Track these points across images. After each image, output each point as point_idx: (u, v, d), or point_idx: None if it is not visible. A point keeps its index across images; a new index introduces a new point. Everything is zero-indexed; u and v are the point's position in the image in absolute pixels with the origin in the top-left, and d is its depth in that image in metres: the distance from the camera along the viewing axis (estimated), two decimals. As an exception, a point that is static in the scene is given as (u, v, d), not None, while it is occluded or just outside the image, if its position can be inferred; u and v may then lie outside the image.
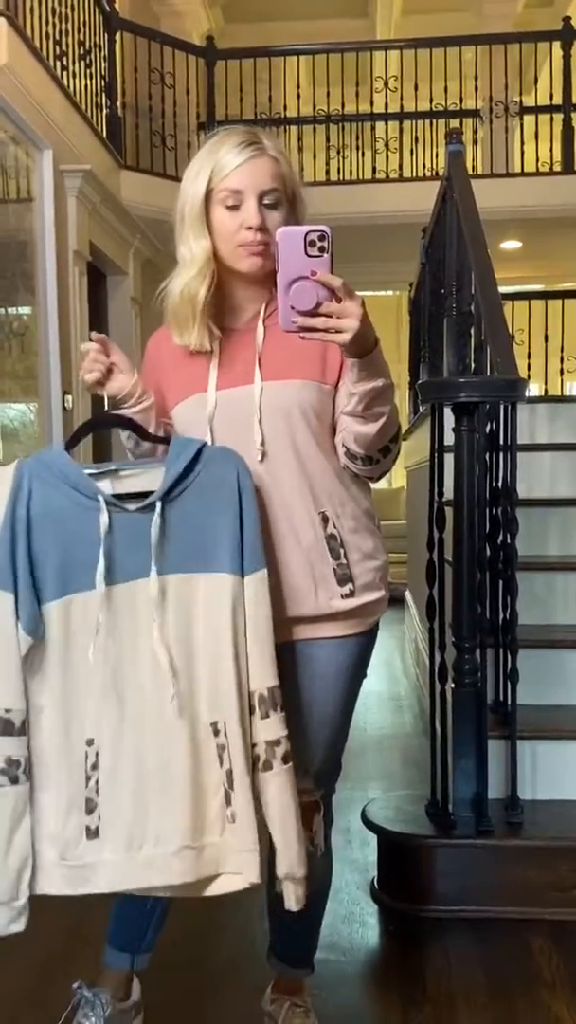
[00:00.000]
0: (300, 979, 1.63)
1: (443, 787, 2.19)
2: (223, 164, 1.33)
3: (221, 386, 1.39)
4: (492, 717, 2.25)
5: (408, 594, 5.76)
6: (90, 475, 1.28)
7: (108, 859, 1.25)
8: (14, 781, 1.25)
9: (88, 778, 1.25)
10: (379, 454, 1.36)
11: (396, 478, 10.98)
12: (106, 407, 1.42)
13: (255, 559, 1.28)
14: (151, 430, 1.41)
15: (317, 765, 1.45)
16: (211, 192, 1.34)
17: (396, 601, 6.47)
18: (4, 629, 1.25)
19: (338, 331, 1.17)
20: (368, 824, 2.24)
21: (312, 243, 1.15)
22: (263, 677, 1.27)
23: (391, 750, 3.31)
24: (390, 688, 4.26)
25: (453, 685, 2.18)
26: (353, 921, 2.09)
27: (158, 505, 1.26)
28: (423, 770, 2.37)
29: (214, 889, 1.28)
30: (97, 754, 1.25)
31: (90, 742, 1.25)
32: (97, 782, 1.25)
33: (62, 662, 1.26)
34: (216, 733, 1.26)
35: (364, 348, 1.22)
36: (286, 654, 1.41)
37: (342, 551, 1.39)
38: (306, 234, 1.15)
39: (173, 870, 1.24)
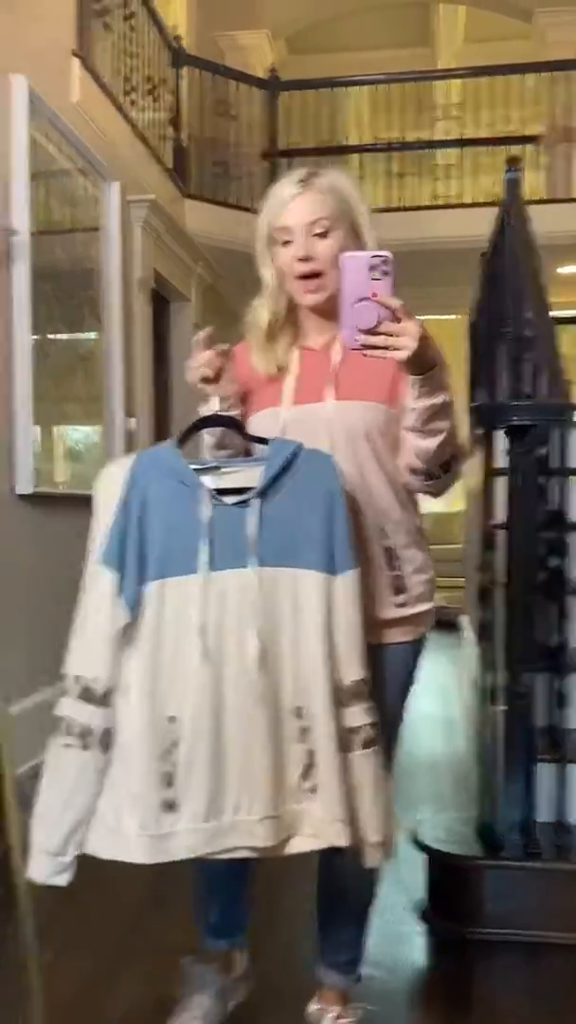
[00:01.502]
0: (346, 990, 1.65)
1: (492, 809, 2.19)
2: (276, 204, 1.45)
3: (296, 402, 1.48)
4: (543, 740, 2.25)
5: (465, 618, 5.71)
6: (195, 470, 1.38)
7: (185, 828, 1.31)
8: (85, 747, 1.33)
9: (168, 753, 1.31)
10: (440, 470, 1.44)
11: (455, 501, 10.89)
12: (206, 408, 1.48)
13: (345, 560, 1.36)
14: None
15: None
16: (272, 231, 1.46)
17: (451, 625, 6.43)
18: (103, 604, 1.33)
19: (397, 349, 1.26)
20: (417, 844, 2.24)
21: (375, 267, 1.26)
22: (352, 669, 1.34)
23: (442, 773, 3.31)
24: (444, 712, 4.25)
25: (503, 707, 2.18)
26: (401, 941, 2.10)
27: (256, 501, 1.34)
28: (474, 793, 2.37)
29: (290, 849, 1.36)
30: (179, 730, 1.31)
31: (172, 719, 1.31)
32: (177, 758, 1.31)
33: (153, 641, 1.33)
34: (299, 716, 1.33)
35: (423, 366, 1.31)
36: None
37: (397, 563, 1.47)
38: (370, 258, 1.27)
39: (256, 835, 1.32)
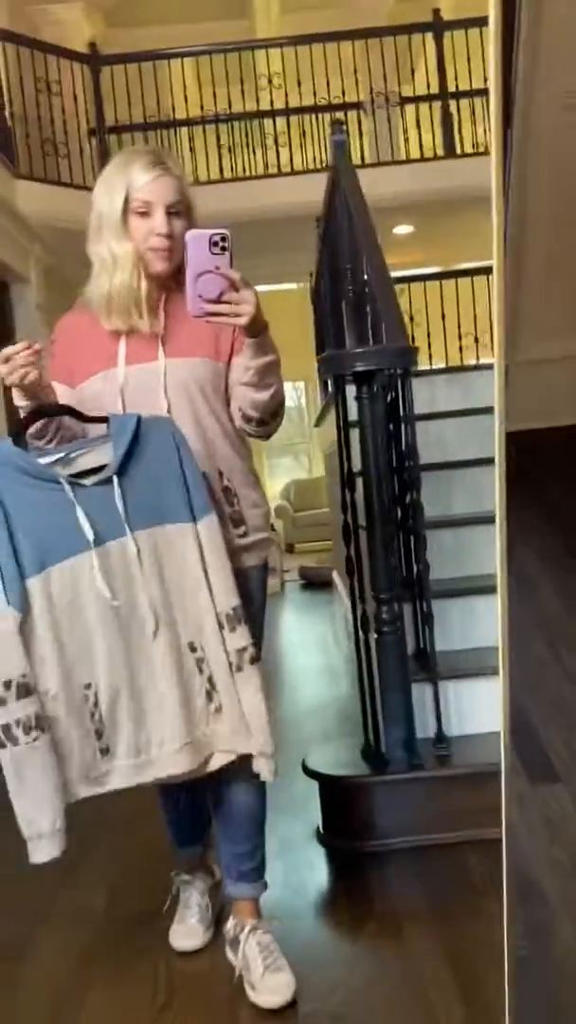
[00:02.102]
0: (257, 900, 1.76)
1: (375, 731, 2.35)
2: (136, 181, 1.56)
3: (130, 362, 1.61)
4: (414, 663, 2.42)
5: (336, 575, 5.93)
6: (45, 463, 1.47)
7: (120, 765, 1.53)
8: (44, 731, 1.46)
9: (92, 714, 1.50)
10: (270, 417, 1.64)
11: (315, 467, 11.12)
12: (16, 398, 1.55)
13: (202, 507, 1.54)
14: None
15: None
16: (127, 203, 1.57)
17: (325, 584, 6.64)
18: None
19: (237, 315, 1.44)
20: (308, 772, 2.37)
21: (215, 243, 1.41)
22: (226, 599, 1.55)
23: (328, 714, 3.46)
24: (325, 662, 4.42)
25: (376, 635, 2.34)
26: (303, 865, 2.23)
27: (115, 478, 1.48)
28: (358, 724, 2.52)
29: (211, 767, 1.58)
30: (96, 693, 1.50)
31: (88, 685, 1.49)
32: (100, 716, 1.50)
33: (52, 626, 1.46)
34: (193, 650, 1.55)
35: (258, 329, 1.50)
36: None
37: (236, 499, 1.66)
38: (211, 235, 1.41)
39: (179, 763, 1.53)
